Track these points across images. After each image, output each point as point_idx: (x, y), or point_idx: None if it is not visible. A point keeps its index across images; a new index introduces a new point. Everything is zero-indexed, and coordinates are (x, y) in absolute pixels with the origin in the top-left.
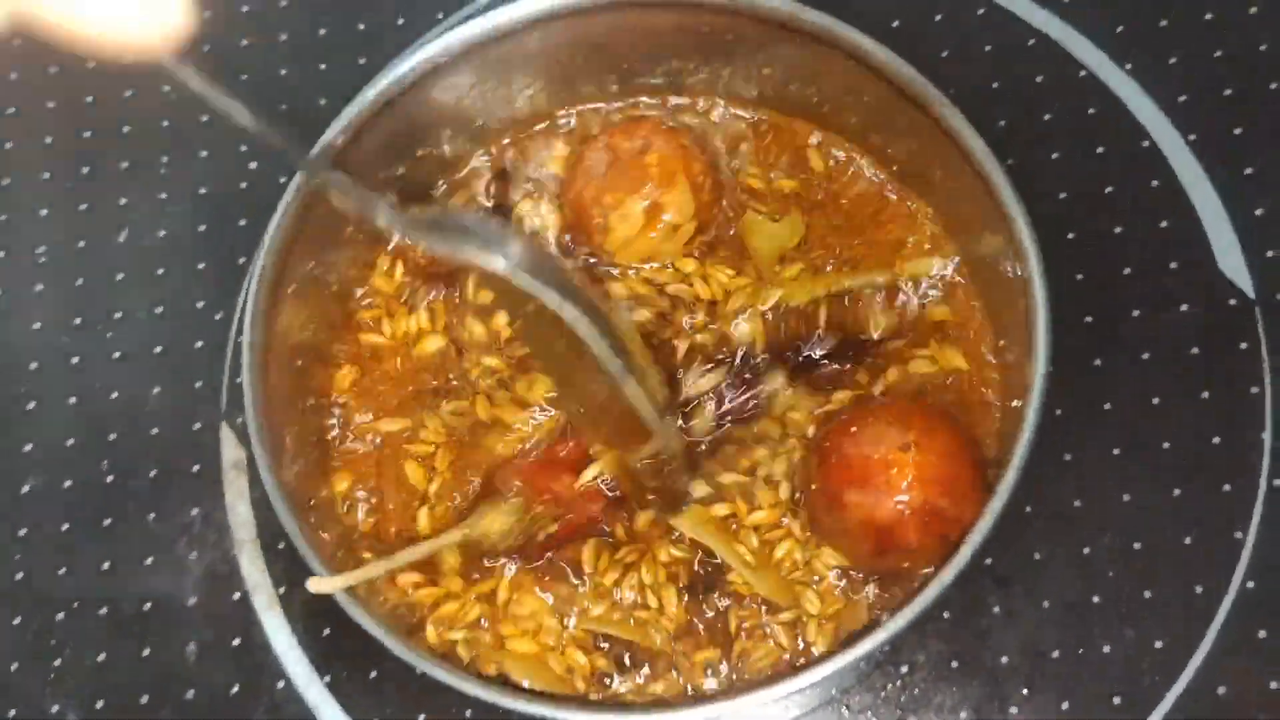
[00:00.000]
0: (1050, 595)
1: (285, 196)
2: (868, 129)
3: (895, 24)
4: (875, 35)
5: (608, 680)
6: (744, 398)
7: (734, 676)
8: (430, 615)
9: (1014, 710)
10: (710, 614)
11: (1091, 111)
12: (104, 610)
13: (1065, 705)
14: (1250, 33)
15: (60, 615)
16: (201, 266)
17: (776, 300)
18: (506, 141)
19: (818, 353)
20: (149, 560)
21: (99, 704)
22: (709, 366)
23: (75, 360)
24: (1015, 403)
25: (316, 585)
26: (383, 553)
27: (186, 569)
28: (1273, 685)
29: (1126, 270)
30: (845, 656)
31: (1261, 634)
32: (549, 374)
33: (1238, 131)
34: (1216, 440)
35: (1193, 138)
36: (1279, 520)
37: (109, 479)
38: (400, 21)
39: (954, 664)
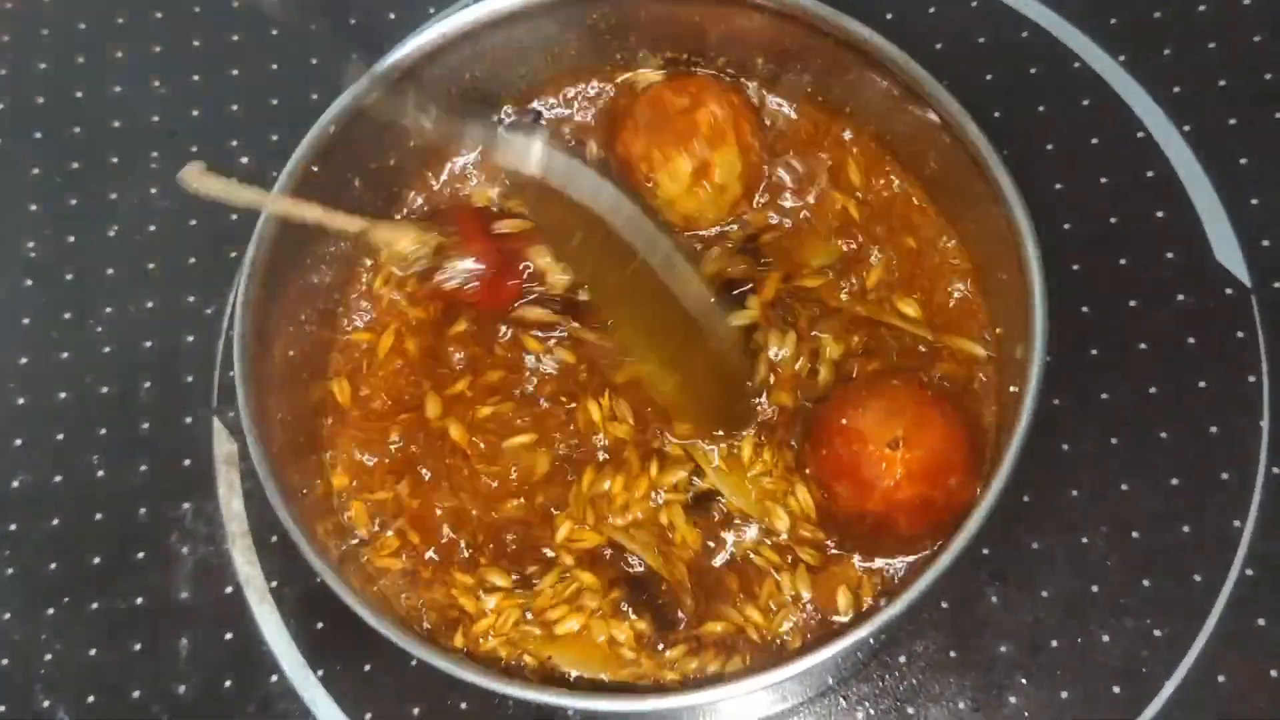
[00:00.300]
0: (1048, 585)
1: (276, 186)
2: (864, 119)
3: (889, 16)
4: (869, 27)
5: (653, 644)
6: None
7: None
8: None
9: (1012, 700)
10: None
11: (1086, 103)
12: (95, 605)
13: (1064, 695)
14: (1244, 24)
15: (50, 611)
16: (192, 261)
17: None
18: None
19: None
20: (140, 555)
21: (90, 699)
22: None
23: (65, 355)
24: (1012, 388)
25: (190, 175)
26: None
27: (178, 563)
28: (1273, 674)
29: (1122, 260)
30: (825, 651)
31: (1261, 622)
32: (626, 325)
33: (1232, 122)
34: (1214, 429)
35: (1187, 129)
36: (1278, 509)
37: (99, 474)
38: None
39: (952, 654)
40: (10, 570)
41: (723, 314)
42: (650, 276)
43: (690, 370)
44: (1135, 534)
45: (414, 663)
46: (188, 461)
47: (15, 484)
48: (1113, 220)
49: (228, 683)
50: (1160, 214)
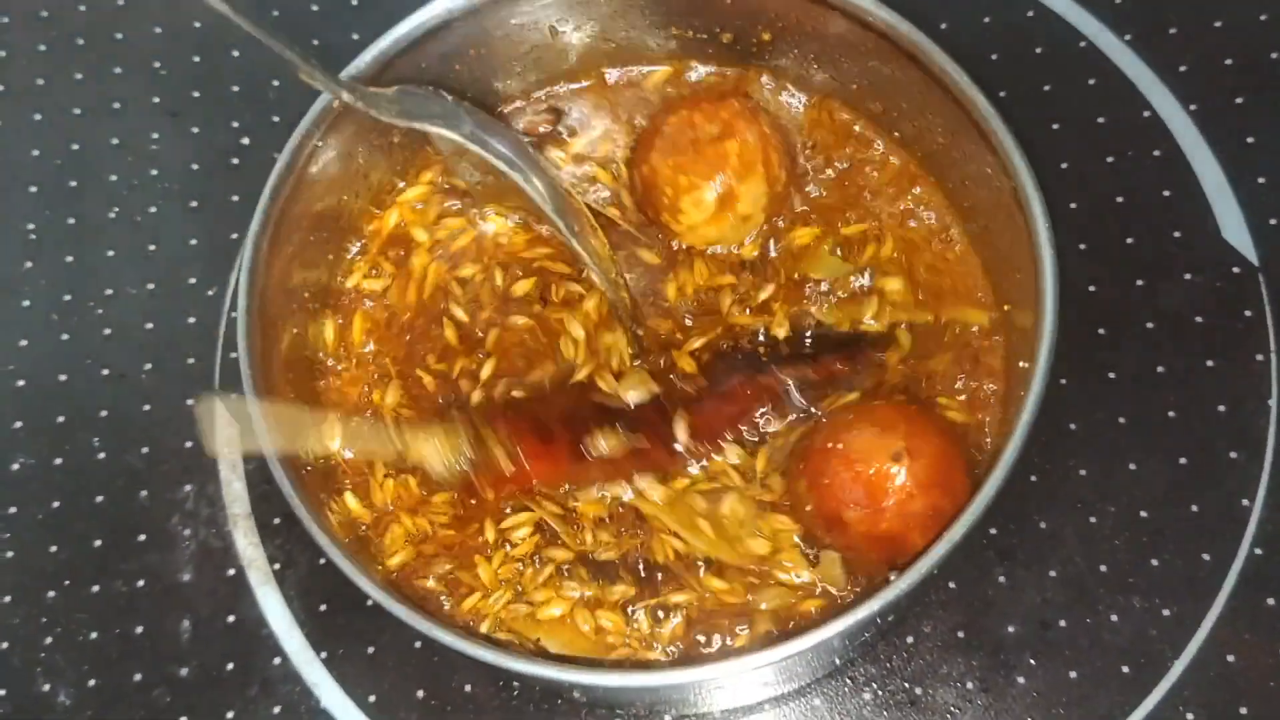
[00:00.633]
0: (1056, 565)
1: (277, 167)
2: (871, 96)
3: None
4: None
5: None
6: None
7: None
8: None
9: (1021, 680)
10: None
11: (1092, 82)
12: (95, 588)
13: (1073, 675)
14: (1250, 3)
15: (51, 594)
16: (193, 243)
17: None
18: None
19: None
20: (141, 537)
21: (91, 683)
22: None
23: (65, 337)
24: (1021, 364)
25: (204, 402)
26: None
27: (180, 545)
28: None
29: (1129, 240)
30: (834, 626)
31: (1270, 601)
32: None
33: (1239, 100)
34: (1222, 408)
35: (1194, 107)
36: None
37: (100, 456)
38: None
39: (960, 634)
40: (10, 553)
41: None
42: None
43: None
44: (1143, 513)
45: (418, 644)
46: (189, 444)
47: (15, 466)
48: (1119, 199)
49: (230, 665)
50: (1167, 193)
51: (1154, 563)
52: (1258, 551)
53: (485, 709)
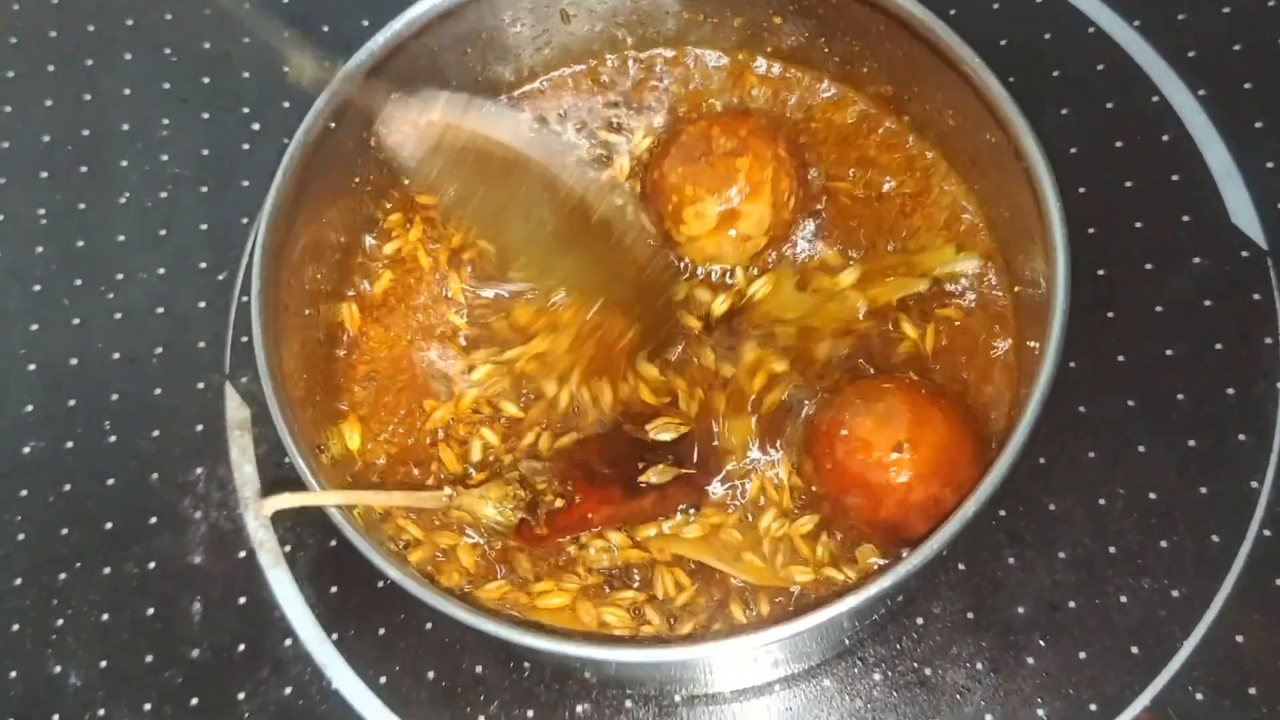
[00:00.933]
0: (1065, 547)
1: (289, 152)
2: (882, 80)
3: None
4: None
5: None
6: None
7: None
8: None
9: (1030, 661)
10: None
11: (1100, 68)
12: (107, 570)
13: (1082, 655)
14: None
15: (62, 576)
16: (204, 227)
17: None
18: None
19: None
20: (153, 520)
21: (102, 664)
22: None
23: (76, 321)
24: (1031, 344)
25: (266, 506)
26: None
27: (191, 528)
28: None
29: (1138, 224)
30: (845, 604)
31: (1279, 583)
32: (529, 261)
33: (1247, 86)
34: (1230, 391)
35: (1202, 92)
36: None
37: (111, 439)
38: None
39: (969, 615)
40: (22, 535)
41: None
42: (579, 217)
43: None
44: (1152, 495)
45: (429, 626)
46: (200, 427)
47: (26, 450)
48: (1128, 184)
49: (241, 647)
50: (1175, 178)
51: (1163, 544)
52: (1266, 533)
53: (496, 690)
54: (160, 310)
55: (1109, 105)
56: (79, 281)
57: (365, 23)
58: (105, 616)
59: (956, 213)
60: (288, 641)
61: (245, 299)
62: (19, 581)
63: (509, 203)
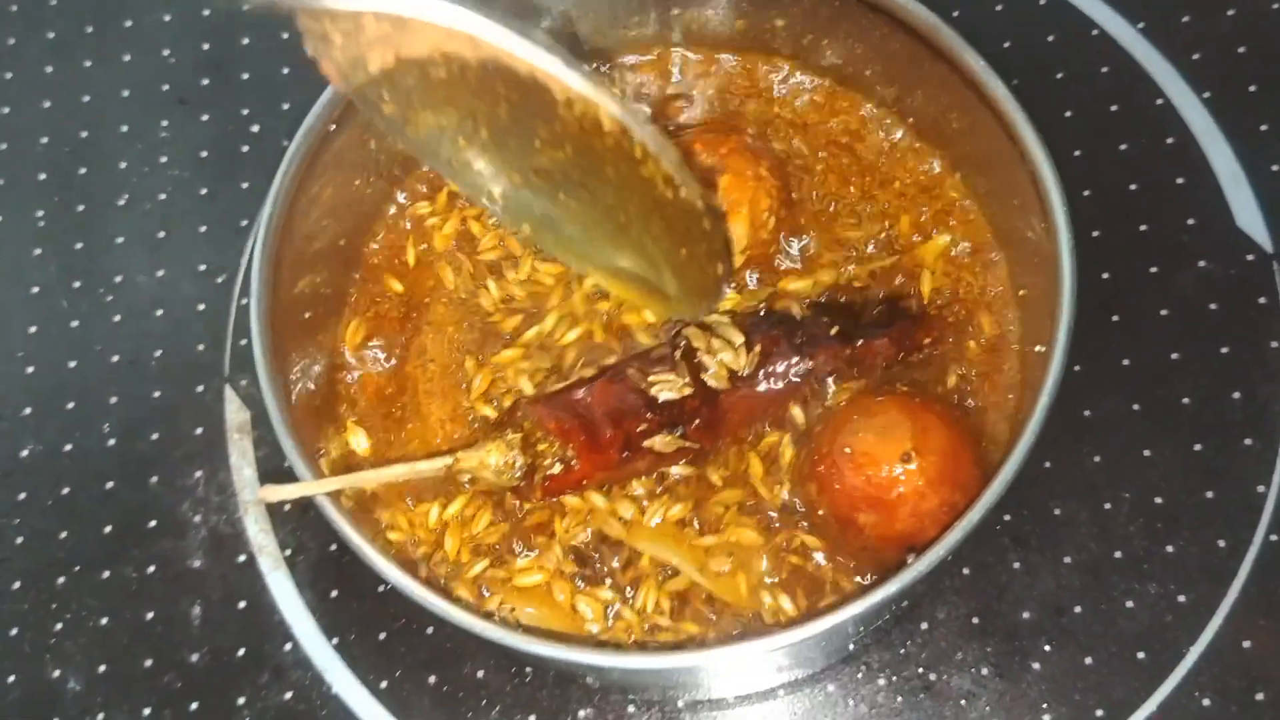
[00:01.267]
0: (1071, 551)
1: (289, 154)
2: (885, 83)
3: None
4: None
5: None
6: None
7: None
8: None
9: (1036, 666)
10: None
11: (1105, 70)
12: (106, 574)
13: (1088, 661)
14: None
15: (61, 580)
16: (203, 229)
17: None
18: None
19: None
20: (152, 523)
21: (101, 669)
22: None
23: (75, 324)
24: (1038, 348)
25: (269, 493)
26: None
27: (190, 531)
28: None
29: (1143, 227)
30: (850, 610)
31: None
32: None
33: (1252, 89)
34: (1236, 395)
35: (1207, 95)
36: None
37: (110, 442)
38: None
39: (974, 620)
40: (20, 539)
41: (674, 149)
42: (573, 129)
43: (649, 236)
44: (1158, 499)
45: (430, 630)
46: (199, 430)
47: (25, 453)
48: (1133, 187)
49: (241, 651)
50: (1180, 180)
51: (1169, 549)
52: (1273, 538)
53: (497, 695)
54: (159, 313)
55: (1113, 108)
56: (77, 284)
57: None
58: (104, 620)
59: (961, 215)
60: (288, 646)
61: (245, 301)
62: (17, 585)
63: (507, 124)
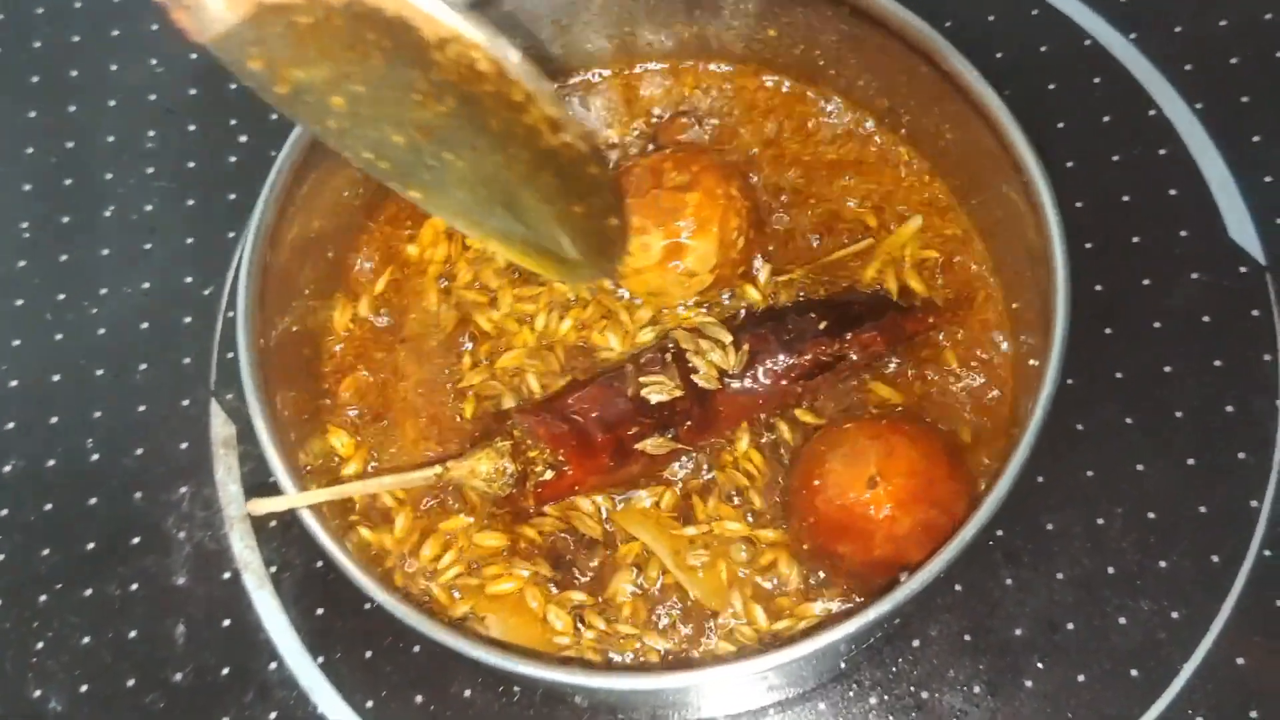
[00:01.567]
0: (1063, 567)
1: (276, 165)
2: (880, 94)
3: None
4: None
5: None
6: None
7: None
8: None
9: (1028, 684)
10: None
11: (1097, 81)
12: (89, 592)
13: (1081, 678)
14: (1254, 1)
15: (43, 597)
16: (190, 241)
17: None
18: None
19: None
20: (136, 540)
21: (83, 688)
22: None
23: (59, 337)
24: (1032, 362)
25: (256, 506)
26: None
27: (175, 548)
28: None
29: (1136, 239)
30: (842, 629)
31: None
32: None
33: (1245, 100)
34: (1230, 408)
35: (1199, 106)
36: None
37: (94, 457)
38: None
39: (966, 638)
40: (1, 556)
41: (551, 86)
42: (451, 75)
43: (542, 195)
44: (1151, 514)
45: (416, 649)
46: (185, 445)
47: (7, 468)
48: (1125, 198)
49: (225, 670)
50: (1173, 192)
51: (1162, 564)
52: (1267, 553)
53: (485, 715)
54: (145, 326)
55: (1105, 119)
56: (62, 296)
57: None
58: (86, 639)
59: (954, 227)
60: (273, 665)
61: (231, 314)
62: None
63: (383, 75)
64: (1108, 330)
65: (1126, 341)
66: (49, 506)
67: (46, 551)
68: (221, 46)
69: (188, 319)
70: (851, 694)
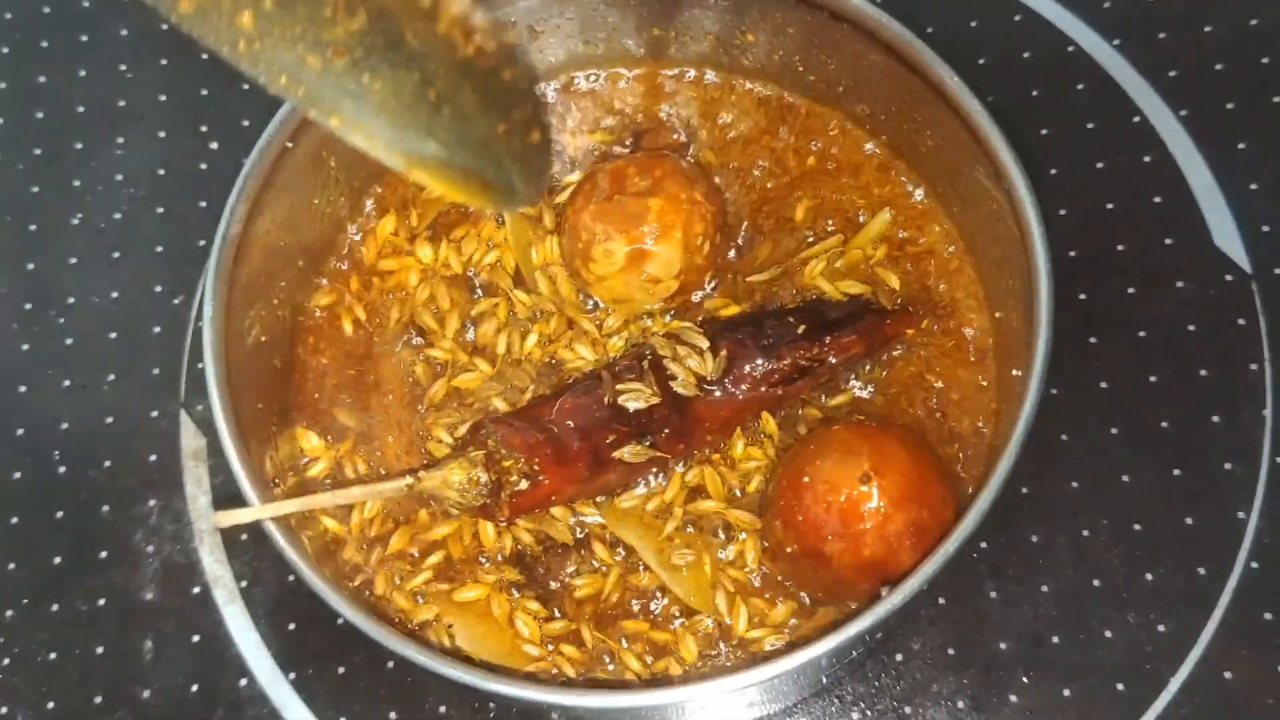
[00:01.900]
0: (1048, 579)
1: (244, 172)
2: (860, 99)
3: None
4: None
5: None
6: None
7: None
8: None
9: (1014, 699)
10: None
11: (1080, 87)
12: (55, 607)
13: (1066, 693)
14: (1240, 8)
15: (9, 613)
16: (159, 250)
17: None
18: None
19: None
20: (103, 554)
21: (50, 705)
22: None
23: (25, 347)
24: (1015, 371)
25: (222, 518)
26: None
27: (143, 562)
28: None
29: (1120, 247)
30: (824, 644)
31: (1267, 616)
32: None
33: (1230, 106)
34: (1216, 419)
35: (1184, 113)
36: None
37: (61, 469)
38: None
39: (950, 652)
40: None
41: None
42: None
43: (464, 114)
44: (1137, 526)
45: (390, 665)
46: (154, 457)
47: None
48: (1109, 206)
49: (195, 687)
50: (1158, 199)
51: (1148, 577)
52: (1254, 565)
53: None
54: (113, 335)
55: (1089, 125)
56: (29, 306)
57: None
58: (53, 655)
59: (935, 233)
60: (243, 681)
61: (201, 324)
62: None
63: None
64: (1092, 339)
65: (1111, 351)
66: (15, 520)
67: (12, 566)
68: None
69: (157, 329)
70: (834, 709)
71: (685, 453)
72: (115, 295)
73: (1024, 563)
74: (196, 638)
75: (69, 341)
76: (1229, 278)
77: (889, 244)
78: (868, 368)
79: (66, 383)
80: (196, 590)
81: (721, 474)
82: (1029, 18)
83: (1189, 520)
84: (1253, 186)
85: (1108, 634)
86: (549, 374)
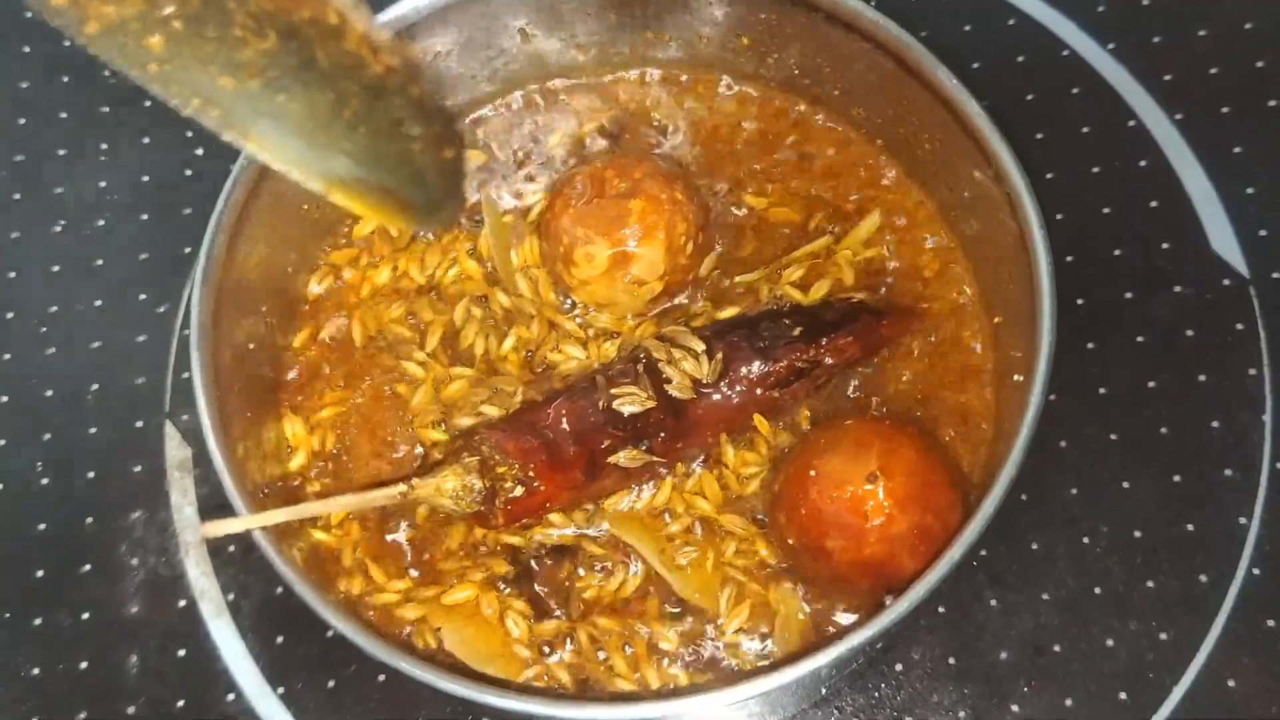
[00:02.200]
0: (1048, 588)
1: (232, 178)
2: (856, 102)
3: (872, 2)
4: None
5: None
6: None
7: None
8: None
9: (1015, 708)
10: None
11: (1076, 91)
12: (38, 621)
13: (1069, 702)
14: (1234, 10)
15: None
16: (143, 257)
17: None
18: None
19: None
20: (86, 567)
21: None
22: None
23: (7, 357)
24: (1016, 376)
25: (211, 529)
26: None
27: (128, 575)
28: None
29: (1117, 251)
30: (825, 655)
31: (1270, 623)
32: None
33: (1225, 110)
34: (1216, 424)
35: (1179, 117)
36: None
37: (44, 481)
38: None
39: (951, 661)
40: None
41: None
42: (267, 4)
43: (378, 133)
44: (1137, 533)
45: (381, 678)
46: (138, 468)
47: None
48: (1106, 210)
49: (181, 703)
50: (1154, 204)
51: (1149, 584)
52: (1256, 572)
53: None
54: (97, 345)
55: (1085, 129)
56: (10, 314)
57: None
58: (36, 670)
59: (932, 237)
60: (231, 696)
61: (187, 333)
62: None
63: (199, 8)
64: (1090, 345)
65: (1109, 356)
66: None
67: None
68: None
69: (141, 337)
70: (833, 719)
71: (681, 456)
72: (99, 304)
73: (1024, 571)
74: (182, 652)
75: (51, 351)
76: (1226, 282)
77: (885, 246)
78: (867, 370)
79: (49, 393)
80: (182, 603)
81: (720, 475)
82: (1023, 21)
83: (1189, 527)
84: (1249, 190)
85: (1109, 642)
86: (540, 381)
